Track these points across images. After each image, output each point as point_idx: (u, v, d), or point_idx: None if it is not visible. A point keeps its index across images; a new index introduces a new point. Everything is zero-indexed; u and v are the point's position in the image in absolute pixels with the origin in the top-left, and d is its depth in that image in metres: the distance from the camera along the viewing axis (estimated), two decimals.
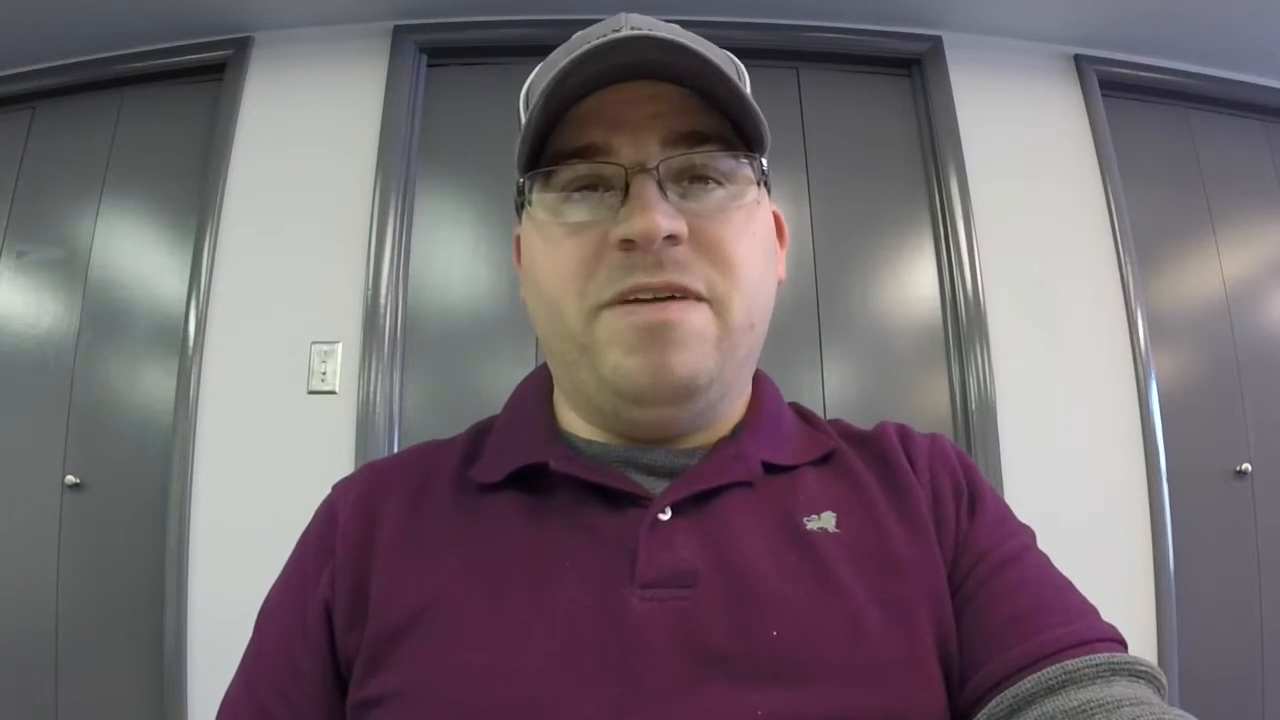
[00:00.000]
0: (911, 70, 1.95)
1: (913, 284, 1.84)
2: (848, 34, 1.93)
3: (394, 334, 1.72)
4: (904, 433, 0.51)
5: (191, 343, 1.70)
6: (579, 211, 0.43)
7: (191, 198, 1.81)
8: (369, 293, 1.72)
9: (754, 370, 0.51)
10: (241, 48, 1.88)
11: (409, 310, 1.76)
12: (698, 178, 0.43)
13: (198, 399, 1.68)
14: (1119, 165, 1.89)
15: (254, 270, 1.75)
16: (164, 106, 1.92)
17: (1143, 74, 1.99)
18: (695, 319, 0.41)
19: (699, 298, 0.41)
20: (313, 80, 1.87)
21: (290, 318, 1.72)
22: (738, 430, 0.47)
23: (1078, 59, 1.96)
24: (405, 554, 0.43)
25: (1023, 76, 1.95)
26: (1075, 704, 0.36)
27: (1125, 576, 1.67)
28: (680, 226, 0.40)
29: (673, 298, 0.41)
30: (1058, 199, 1.87)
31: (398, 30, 1.88)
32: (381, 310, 1.71)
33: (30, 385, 1.78)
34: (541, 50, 1.88)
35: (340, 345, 1.70)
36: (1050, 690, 0.37)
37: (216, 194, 1.78)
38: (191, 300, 1.72)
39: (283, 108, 1.85)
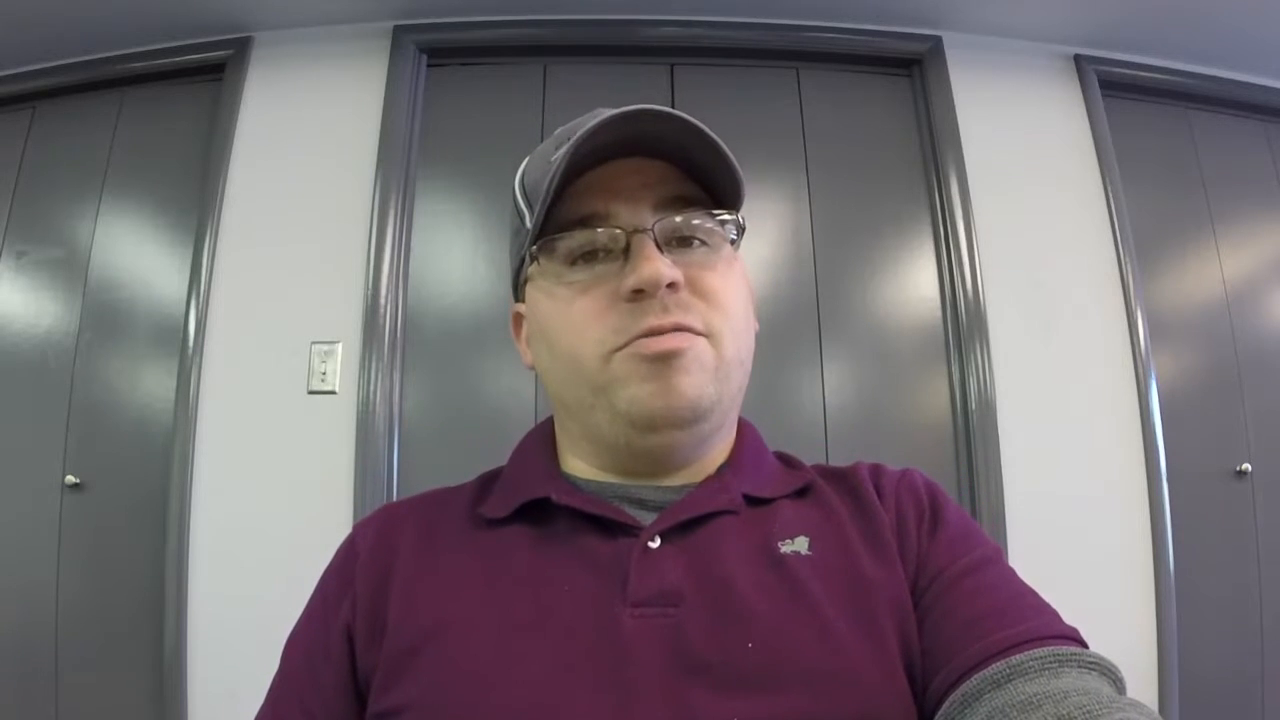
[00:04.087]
0: (911, 70, 1.96)
1: (913, 284, 1.84)
2: (848, 34, 1.93)
3: (394, 334, 1.72)
4: (876, 469, 0.54)
5: (191, 343, 1.70)
6: (584, 274, 0.48)
7: (191, 198, 1.81)
8: (369, 293, 1.72)
9: (738, 413, 0.55)
10: (241, 48, 1.88)
11: (409, 310, 1.76)
12: (683, 239, 0.49)
13: (198, 399, 1.68)
14: (1119, 165, 1.89)
15: (254, 270, 1.75)
16: (164, 106, 1.92)
17: (1143, 74, 1.99)
18: (696, 348, 0.46)
19: (698, 333, 0.47)
20: (313, 80, 1.87)
21: (290, 318, 1.72)
22: (721, 469, 0.52)
23: (1078, 59, 1.96)
24: (420, 578, 0.48)
25: (1023, 76, 1.95)
26: (1023, 697, 0.36)
27: (1125, 576, 1.67)
28: (679, 274, 0.46)
29: (677, 331, 0.46)
30: (1058, 199, 1.87)
31: (398, 30, 1.88)
32: (381, 310, 1.71)
33: (30, 385, 1.78)
34: (541, 50, 1.89)
35: (340, 345, 1.70)
36: (996, 684, 0.38)
37: (216, 194, 1.78)
38: (191, 300, 1.73)
39: (283, 108, 1.85)
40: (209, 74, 1.90)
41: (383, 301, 1.71)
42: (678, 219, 0.48)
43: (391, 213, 1.76)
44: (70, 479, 1.70)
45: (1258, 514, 1.82)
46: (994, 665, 0.39)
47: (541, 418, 0.59)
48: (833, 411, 1.74)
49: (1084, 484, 1.71)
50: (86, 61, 1.92)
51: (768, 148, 1.89)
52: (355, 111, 1.83)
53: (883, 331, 1.81)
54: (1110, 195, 1.87)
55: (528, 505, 0.50)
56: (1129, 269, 1.82)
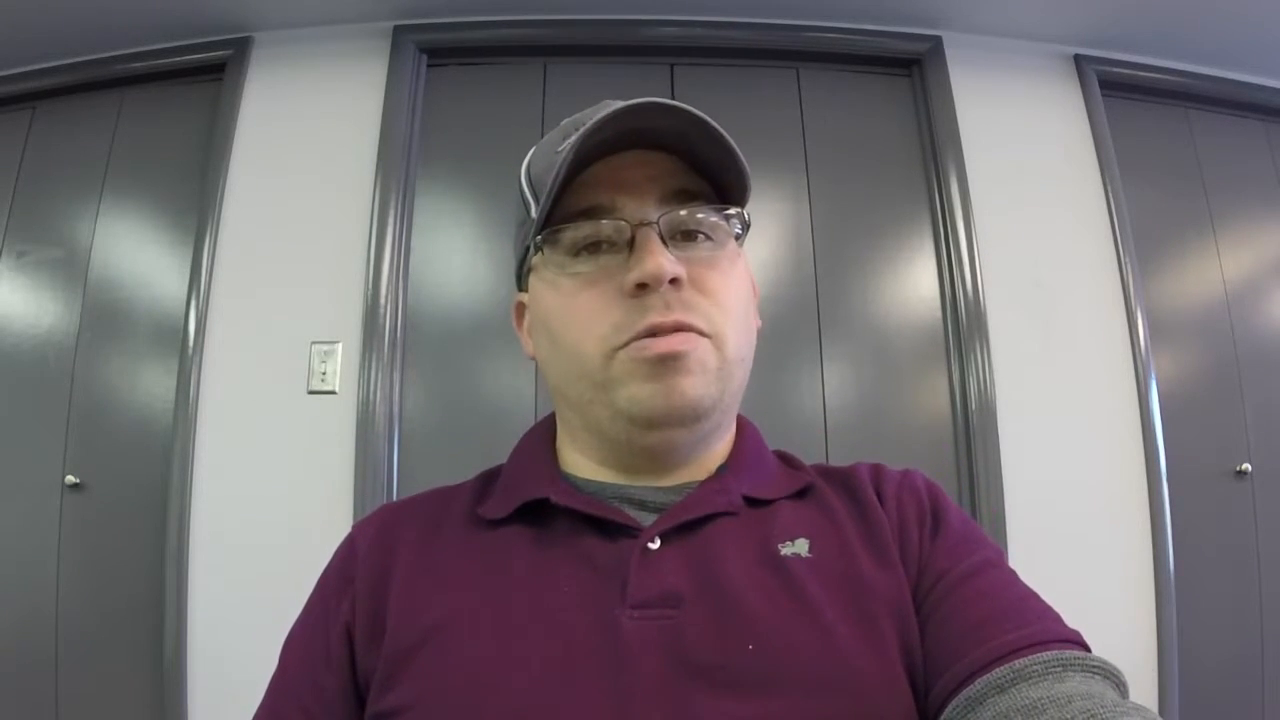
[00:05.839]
0: (911, 70, 1.96)
1: (913, 284, 1.84)
2: (848, 34, 1.93)
3: (394, 334, 1.72)
4: (876, 470, 0.54)
5: (191, 343, 1.70)
6: (588, 266, 0.48)
7: (191, 198, 1.81)
8: (369, 293, 1.72)
9: (737, 412, 0.55)
10: (241, 48, 1.88)
11: (409, 310, 1.76)
12: (689, 234, 0.49)
13: (198, 399, 1.68)
14: (1119, 165, 1.89)
15: (254, 270, 1.75)
16: (164, 106, 1.92)
17: (1143, 74, 1.99)
18: (700, 350, 0.47)
19: (701, 333, 0.47)
20: (313, 80, 1.87)
21: (290, 318, 1.72)
22: (721, 469, 0.52)
23: (1078, 59, 1.96)
24: (420, 579, 0.48)
25: (1023, 76, 1.95)
26: (1026, 701, 0.36)
27: (1125, 576, 1.67)
28: (681, 270, 0.46)
29: (680, 332, 0.46)
30: (1058, 199, 1.87)
31: (398, 30, 1.88)
32: (381, 310, 1.71)
33: (30, 385, 1.78)
34: (541, 50, 1.89)
35: (340, 345, 1.70)
36: (1000, 689, 0.38)
37: (216, 194, 1.78)
38: (191, 300, 1.73)
39: (283, 108, 1.85)
40: (209, 74, 1.90)
41: (383, 301, 1.71)
42: (682, 213, 0.48)
43: (391, 213, 1.76)
44: (70, 479, 1.70)
45: (1258, 514, 1.82)
46: (997, 669, 0.39)
47: (542, 417, 0.59)
48: (833, 411, 1.74)
49: (1084, 484, 1.71)
50: (86, 61, 1.92)
51: (768, 148, 1.89)
52: (355, 111, 1.83)
53: (883, 331, 1.81)
54: (1110, 195, 1.87)
55: (527, 506, 0.50)
56: (1129, 269, 1.82)
